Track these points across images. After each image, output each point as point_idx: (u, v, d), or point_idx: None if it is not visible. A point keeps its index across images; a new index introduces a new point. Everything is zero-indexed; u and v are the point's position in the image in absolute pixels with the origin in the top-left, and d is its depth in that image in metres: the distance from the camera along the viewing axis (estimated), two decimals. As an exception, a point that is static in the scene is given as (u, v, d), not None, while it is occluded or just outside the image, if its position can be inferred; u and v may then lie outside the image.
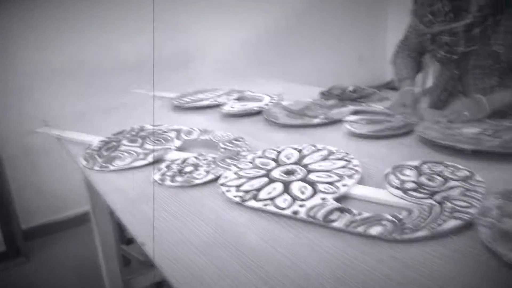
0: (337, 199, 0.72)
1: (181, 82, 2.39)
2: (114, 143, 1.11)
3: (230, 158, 0.93)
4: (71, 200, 2.23)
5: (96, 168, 0.99)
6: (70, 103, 2.13)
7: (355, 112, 1.22)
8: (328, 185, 0.76)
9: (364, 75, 3.11)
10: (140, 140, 1.11)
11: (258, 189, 0.77)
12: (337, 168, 0.82)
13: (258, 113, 1.33)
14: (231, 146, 1.00)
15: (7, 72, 2.00)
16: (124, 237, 1.89)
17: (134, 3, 2.22)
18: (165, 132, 1.15)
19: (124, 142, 1.11)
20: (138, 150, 1.05)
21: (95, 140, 1.17)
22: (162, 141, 1.09)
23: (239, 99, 1.50)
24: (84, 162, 1.03)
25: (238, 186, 0.80)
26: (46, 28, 2.05)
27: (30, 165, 2.12)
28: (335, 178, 0.78)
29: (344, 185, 0.75)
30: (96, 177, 0.98)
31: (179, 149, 1.05)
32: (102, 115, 1.55)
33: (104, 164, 1.00)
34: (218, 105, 1.44)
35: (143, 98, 1.76)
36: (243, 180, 0.82)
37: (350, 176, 0.78)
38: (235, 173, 0.85)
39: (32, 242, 2.12)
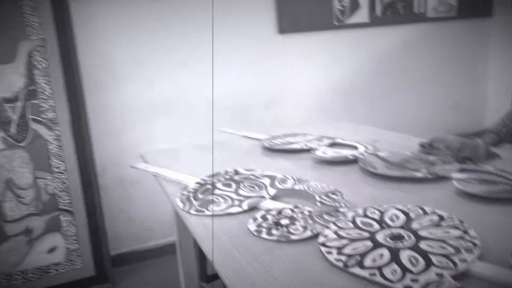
0: (455, 277, 0.64)
1: (267, 123, 2.42)
2: (209, 186, 1.13)
3: (328, 214, 0.89)
4: (159, 230, 2.31)
5: (192, 212, 1.00)
6: (163, 138, 2.24)
7: (463, 170, 1.12)
8: (443, 258, 0.68)
9: (459, 122, 2.92)
10: (234, 185, 1.11)
11: (362, 254, 0.72)
12: (452, 238, 0.74)
13: (352, 161, 1.28)
14: (328, 200, 0.96)
15: (111, 105, 2.16)
16: (204, 274, 1.90)
17: (224, 43, 2.31)
18: (259, 178, 1.14)
19: (219, 185, 1.12)
20: (233, 195, 1.05)
21: (190, 181, 1.20)
22: (256, 187, 1.08)
23: (331, 145, 1.46)
24: (180, 204, 1.05)
25: (339, 248, 0.75)
26: (141, 65, 2.20)
27: (123, 194, 2.25)
28: (451, 250, 0.70)
29: (462, 261, 0.67)
30: (191, 220, 0.99)
31: (273, 197, 1.03)
32: (194, 152, 1.60)
33: (199, 208, 1.01)
34: (308, 150, 1.42)
35: (233, 138, 1.80)
36: (344, 241, 0.77)
37: (468, 250, 0.70)
38: (335, 233, 0.81)
39: (119, 268, 2.22)
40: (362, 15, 2.55)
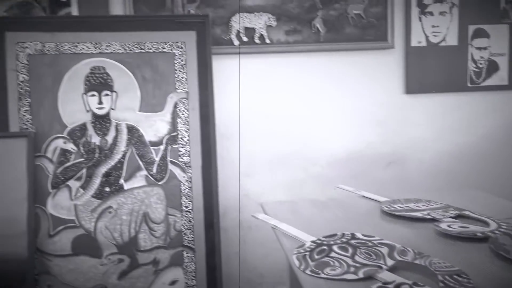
0: None
1: (387, 183, 2.36)
2: (325, 248, 1.15)
3: (451, 297, 0.85)
4: (270, 278, 2.37)
5: (308, 272, 1.04)
6: (283, 189, 2.34)
7: None
8: None
9: None
10: (350, 250, 1.12)
11: None
12: None
13: (481, 239, 1.19)
14: (451, 282, 0.92)
15: (237, 153, 2.34)
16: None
17: (348, 98, 2.36)
18: (377, 246, 1.13)
19: (335, 248, 1.14)
20: (349, 261, 1.06)
21: (307, 238, 1.24)
22: (373, 255, 1.08)
23: (457, 217, 1.38)
24: (296, 263, 1.09)
25: None
26: (267, 117, 2.35)
27: (240, 237, 2.37)
28: None
29: None
30: (306, 279, 1.02)
31: (391, 269, 1.01)
32: (313, 208, 1.64)
33: (315, 269, 1.04)
34: (432, 220, 1.36)
35: (350, 196, 1.80)
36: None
37: None
38: (458, 320, 0.77)
39: (229, 310, 2.31)
40: (500, 77, 2.39)
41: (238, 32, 2.30)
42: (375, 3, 2.35)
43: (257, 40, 2.31)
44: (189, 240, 2.14)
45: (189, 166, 2.16)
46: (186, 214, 2.15)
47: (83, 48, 2.08)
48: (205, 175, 2.17)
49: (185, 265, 2.14)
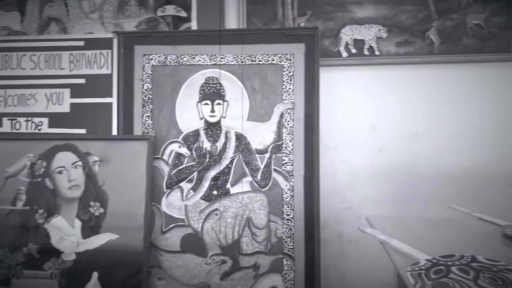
0: None
1: (505, 206, 2.17)
2: (443, 268, 1.09)
3: None
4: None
5: (425, 291, 1.00)
6: (387, 204, 2.26)
7: None
8: None
9: None
10: (472, 273, 1.05)
11: None
12: None
13: None
14: None
15: (340, 165, 2.32)
16: None
17: (467, 115, 2.22)
18: (503, 272, 1.05)
19: (454, 269, 1.08)
20: (471, 284, 1.00)
21: (420, 257, 1.19)
22: (499, 281, 1.00)
23: None
24: (412, 280, 1.06)
25: None
26: (373, 130, 2.29)
27: (340, 251, 2.34)
28: None
29: None
30: (421, 299, 0.98)
31: (521, 298, 0.93)
32: (422, 225, 1.57)
33: (433, 289, 1.00)
34: None
35: (463, 217, 1.69)
36: None
37: None
38: None
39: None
40: None
41: (347, 44, 2.30)
42: (498, 12, 2.19)
43: (366, 52, 2.28)
44: (289, 248, 2.17)
45: (292, 175, 2.19)
46: (287, 222, 2.18)
47: (199, 60, 2.25)
48: (307, 184, 2.19)
49: (284, 273, 2.17)
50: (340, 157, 2.33)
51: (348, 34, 2.29)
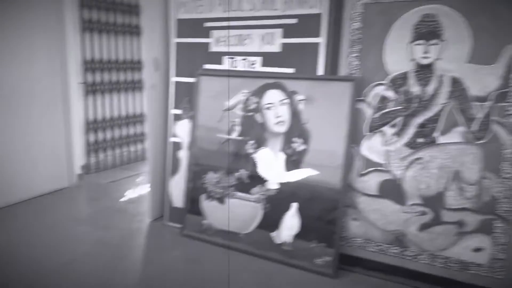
0: None
1: None
2: None
3: None
4: None
5: None
6: None
7: None
8: None
9: None
10: None
11: None
12: None
13: None
14: None
15: None
16: None
17: None
18: None
19: None
20: None
21: None
22: None
23: None
24: None
25: None
26: None
27: None
28: None
29: None
30: None
31: None
32: None
33: None
34: None
35: None
36: None
37: None
38: None
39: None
40: None
41: None
42: None
43: None
44: (503, 209, 1.92)
45: (516, 129, 1.89)
46: (505, 181, 1.92)
47: (416, -5, 2.06)
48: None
49: (494, 236, 1.95)
50: None
51: None
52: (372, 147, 2.19)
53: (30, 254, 2.42)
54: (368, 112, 2.19)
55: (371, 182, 2.19)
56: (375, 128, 2.18)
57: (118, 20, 4.20)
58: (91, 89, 3.99)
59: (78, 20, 3.79)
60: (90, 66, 3.95)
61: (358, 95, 2.19)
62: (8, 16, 3.06)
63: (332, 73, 2.30)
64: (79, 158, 3.87)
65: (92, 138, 4.06)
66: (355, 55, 2.21)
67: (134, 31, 4.39)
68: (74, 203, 3.38)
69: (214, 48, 2.64)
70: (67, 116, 3.60)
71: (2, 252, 2.44)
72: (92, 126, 4.04)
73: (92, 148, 4.07)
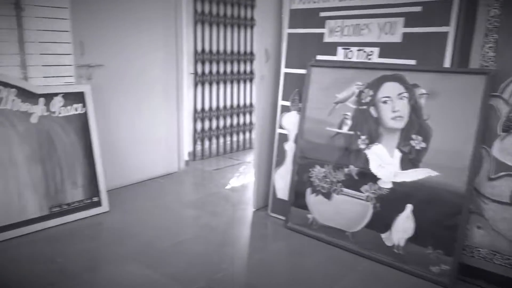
0: None
1: None
2: None
3: None
4: None
5: None
6: None
7: None
8: None
9: None
10: None
11: None
12: None
13: None
14: None
15: None
16: None
17: None
18: None
19: None
20: None
21: None
22: None
23: None
24: None
25: None
26: None
27: None
28: None
29: None
30: None
31: None
32: None
33: None
34: None
35: None
36: None
37: None
38: None
39: None
40: None
41: None
42: None
43: None
44: None
45: None
46: None
47: None
48: None
49: None
50: None
51: None
52: (506, 149, 1.95)
53: (144, 232, 2.58)
54: (503, 109, 1.96)
55: (502, 187, 1.96)
56: (511, 127, 1.94)
57: (229, 12, 4.30)
58: (200, 80, 4.15)
59: (192, 12, 3.96)
60: (200, 57, 4.11)
61: (492, 90, 1.96)
62: (133, 10, 3.29)
63: (461, 65, 2.09)
64: (187, 145, 4.07)
65: (199, 126, 4.23)
66: (490, 45, 1.98)
67: (244, 23, 4.47)
68: (182, 188, 3.56)
69: (327, 39, 2.56)
70: (179, 105, 3.79)
71: (119, 229, 2.64)
72: (199, 115, 4.21)
73: (199, 136, 4.25)
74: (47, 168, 2.65)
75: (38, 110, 2.62)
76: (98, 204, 2.86)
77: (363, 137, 2.36)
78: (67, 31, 2.98)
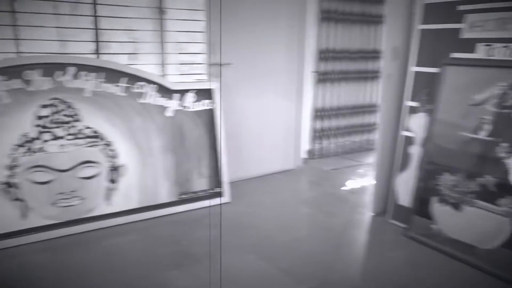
0: None
1: None
2: None
3: None
4: None
5: None
6: None
7: None
8: None
9: None
10: None
11: None
12: None
13: None
14: None
15: None
16: None
17: None
18: None
19: None
20: None
21: None
22: None
23: None
24: None
25: None
26: None
27: None
28: None
29: None
30: None
31: None
32: None
33: None
34: None
35: None
36: None
37: None
38: None
39: None
40: None
41: None
42: None
43: None
44: None
45: None
46: None
47: None
48: None
49: None
50: None
51: None
52: None
53: (262, 225, 2.66)
54: None
55: None
56: None
57: (355, 9, 4.19)
58: (322, 78, 4.13)
59: (317, 11, 3.95)
60: (323, 55, 4.08)
61: None
62: (260, 11, 3.40)
63: None
64: (305, 143, 4.09)
65: (318, 125, 4.21)
66: None
67: (370, 20, 4.32)
68: (300, 185, 3.58)
69: (466, 35, 2.33)
70: (299, 102, 3.82)
71: (238, 220, 2.76)
72: (319, 113, 4.19)
73: (317, 134, 4.23)
74: (178, 158, 2.89)
75: (173, 104, 2.88)
76: (220, 194, 3.03)
77: (504, 144, 2.11)
78: (202, 32, 3.21)
